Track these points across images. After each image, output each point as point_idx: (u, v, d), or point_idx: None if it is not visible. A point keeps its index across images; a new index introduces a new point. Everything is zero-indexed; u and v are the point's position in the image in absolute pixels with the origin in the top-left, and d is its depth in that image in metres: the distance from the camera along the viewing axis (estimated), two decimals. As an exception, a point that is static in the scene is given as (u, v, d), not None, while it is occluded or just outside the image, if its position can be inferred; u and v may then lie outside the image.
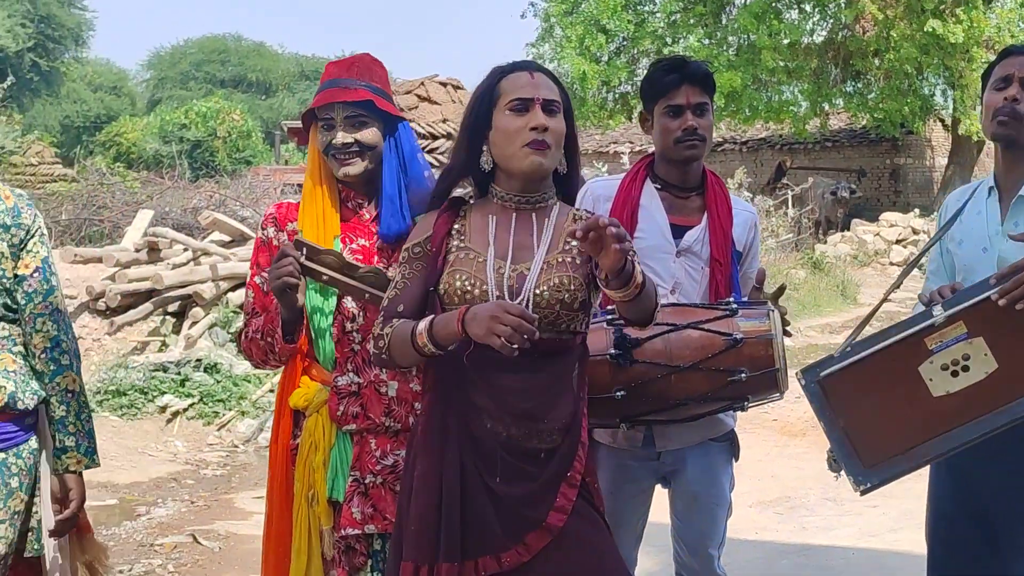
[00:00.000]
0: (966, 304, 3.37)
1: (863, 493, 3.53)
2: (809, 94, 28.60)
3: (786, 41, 27.78)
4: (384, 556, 3.51)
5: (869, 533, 7.12)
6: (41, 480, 3.47)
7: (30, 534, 3.48)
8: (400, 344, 3.15)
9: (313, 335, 3.63)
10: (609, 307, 3.91)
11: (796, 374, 3.58)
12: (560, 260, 3.20)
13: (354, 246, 3.63)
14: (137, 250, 12.89)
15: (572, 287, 3.16)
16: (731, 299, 3.89)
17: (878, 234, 25.04)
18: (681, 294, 4.03)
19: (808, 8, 28.92)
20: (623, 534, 4.14)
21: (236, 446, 9.53)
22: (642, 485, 4.13)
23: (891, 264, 23.74)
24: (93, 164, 24.76)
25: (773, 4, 27.68)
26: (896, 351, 3.42)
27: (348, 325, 3.58)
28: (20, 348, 3.41)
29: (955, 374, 3.35)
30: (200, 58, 58.32)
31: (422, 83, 26.83)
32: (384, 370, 3.55)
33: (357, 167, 3.62)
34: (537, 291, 3.13)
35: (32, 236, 3.43)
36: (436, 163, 12.84)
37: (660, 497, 4.23)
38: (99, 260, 12.98)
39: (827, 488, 7.72)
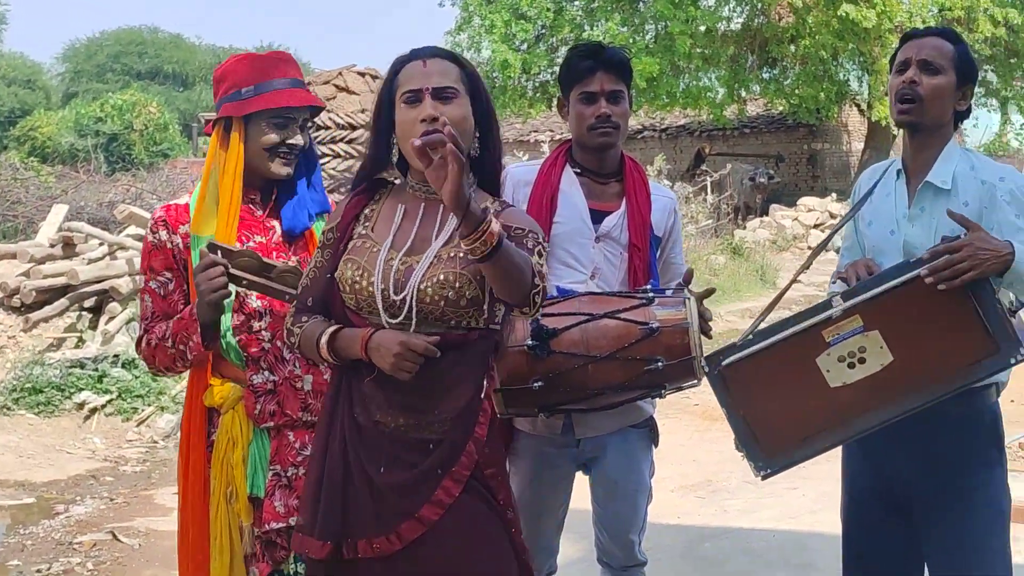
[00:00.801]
0: (863, 298, 3.42)
1: (763, 478, 3.64)
2: (726, 81, 28.78)
3: (703, 28, 27.93)
4: None
5: (789, 515, 7.19)
6: None
7: None
8: (308, 348, 3.17)
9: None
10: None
11: (700, 361, 3.61)
12: (451, 255, 3.07)
13: (251, 244, 3.57)
14: (52, 245, 12.71)
15: (457, 284, 3.03)
16: (648, 287, 3.90)
17: (796, 219, 25.30)
18: (600, 279, 4.04)
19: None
20: (545, 521, 4.16)
21: (156, 442, 9.42)
22: (562, 472, 4.14)
23: (809, 248, 23.94)
24: (7, 159, 24.33)
25: (689, -9, 27.81)
26: (795, 342, 3.48)
27: (255, 324, 3.54)
28: None
29: (852, 366, 3.43)
30: (116, 50, 57.59)
31: (340, 73, 26.70)
32: (298, 365, 3.53)
33: (291, 167, 3.62)
34: (421, 286, 3.04)
35: None
36: (355, 153, 12.80)
37: (581, 484, 4.24)
38: (13, 256, 12.76)
39: (748, 472, 7.73)
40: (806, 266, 3.99)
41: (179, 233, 3.60)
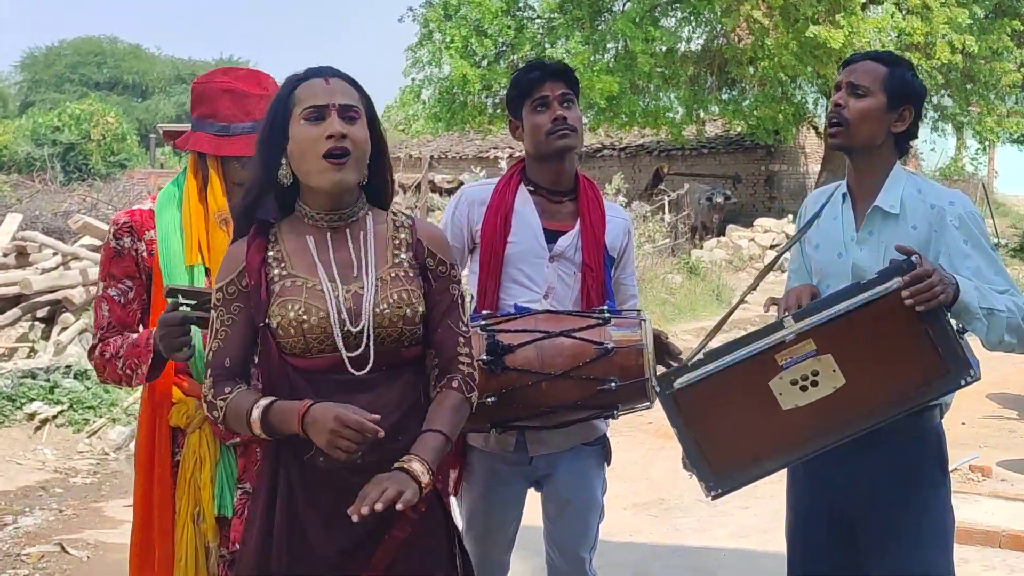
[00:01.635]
0: (816, 322, 3.44)
1: (714, 498, 3.65)
2: (685, 101, 28.88)
3: (663, 48, 28.03)
4: None
5: (741, 534, 7.22)
6: None
7: None
8: (235, 423, 3.00)
9: None
10: (483, 311, 3.93)
11: (653, 383, 3.63)
12: (394, 275, 3.05)
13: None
14: (5, 255, 12.61)
15: (412, 300, 3.03)
16: (604, 308, 3.92)
17: (752, 239, 25.40)
18: (554, 299, 4.05)
19: (685, 15, 29.20)
20: (495, 538, 4.17)
21: (107, 453, 9.35)
22: (514, 489, 4.15)
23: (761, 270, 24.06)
24: (-38, 167, 24.18)
25: (651, 11, 27.91)
26: (747, 366, 3.50)
27: None
28: None
29: (804, 388, 3.44)
30: (75, 60, 57.38)
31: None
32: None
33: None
34: (377, 310, 2.98)
35: None
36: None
37: (532, 500, 4.24)
38: (-34, 264, 12.68)
39: (700, 491, 7.78)
40: (753, 287, 4.03)
41: (143, 239, 3.55)
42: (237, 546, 3.40)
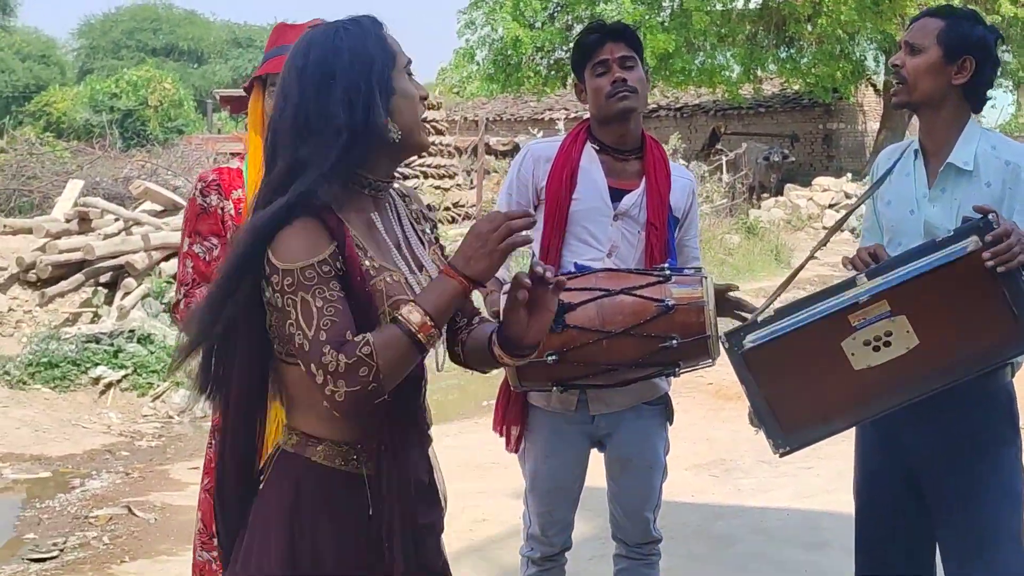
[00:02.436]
0: (890, 283, 3.40)
1: (781, 455, 3.62)
2: (742, 59, 28.66)
3: (719, 6, 27.82)
4: None
5: (803, 494, 7.19)
6: None
7: None
8: (394, 354, 2.47)
9: None
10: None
11: (720, 338, 3.61)
12: (435, 256, 2.85)
13: None
14: (67, 220, 12.75)
15: None
16: (665, 265, 3.91)
17: (811, 199, 25.21)
18: (617, 257, 4.04)
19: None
20: (560, 497, 4.18)
21: (171, 417, 9.46)
22: (577, 448, 4.15)
23: (824, 228, 23.87)
24: (22, 134, 24.35)
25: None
26: (820, 326, 3.46)
27: None
28: None
29: (877, 349, 3.41)
30: (131, 26, 57.68)
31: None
32: None
33: None
34: None
35: None
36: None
37: (596, 461, 4.25)
38: (29, 231, 12.82)
39: (762, 451, 7.73)
40: (822, 243, 3.99)
41: (231, 198, 3.59)
42: None
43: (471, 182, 20.27)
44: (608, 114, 4.08)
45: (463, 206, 18.63)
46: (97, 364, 9.96)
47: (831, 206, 24.79)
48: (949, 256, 3.34)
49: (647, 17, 26.78)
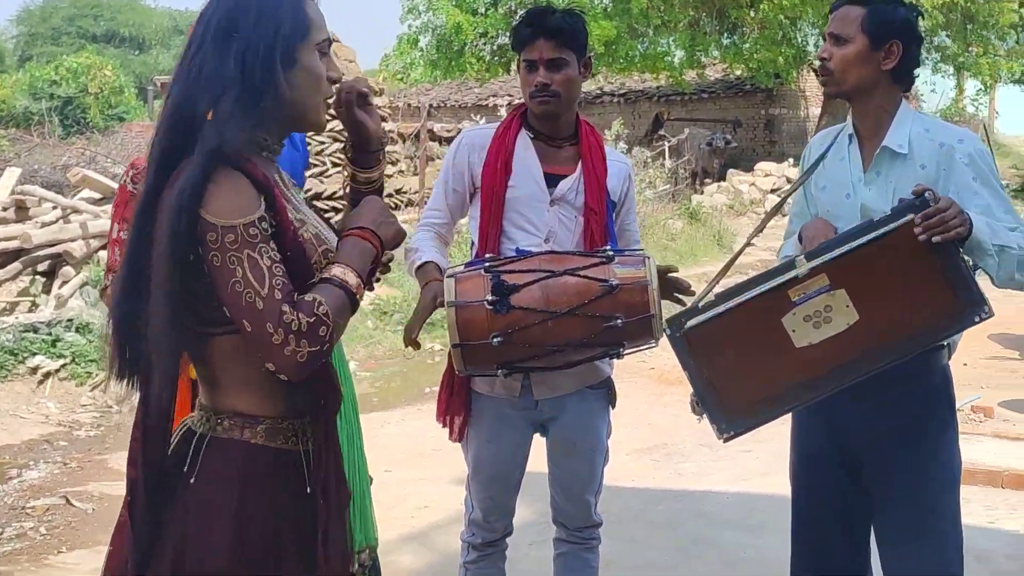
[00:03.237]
0: (829, 257, 3.41)
1: (726, 440, 3.61)
2: (684, 44, 28.75)
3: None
4: None
5: (742, 477, 7.24)
6: None
7: None
8: (343, 315, 2.50)
9: None
10: (487, 255, 3.91)
11: (662, 324, 3.61)
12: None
13: None
14: (4, 209, 12.60)
15: None
16: (608, 247, 3.90)
17: (753, 184, 25.37)
18: (555, 243, 4.03)
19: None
20: (502, 482, 4.18)
21: (110, 406, 9.36)
22: (521, 433, 4.14)
23: (766, 213, 24.07)
24: (-41, 121, 24.12)
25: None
26: (760, 303, 3.47)
27: None
28: None
29: (817, 325, 3.41)
30: (72, 13, 57.12)
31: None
32: None
33: None
34: None
35: None
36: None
37: (537, 446, 4.24)
38: (-35, 219, 12.66)
39: (702, 435, 7.79)
40: (759, 230, 4.00)
41: None
42: None
43: (414, 168, 20.21)
44: (531, 110, 4.09)
45: (406, 192, 18.58)
46: (35, 354, 9.85)
47: (773, 191, 24.96)
48: (886, 230, 3.36)
49: (591, 3, 26.81)
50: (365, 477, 4.46)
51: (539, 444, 4.25)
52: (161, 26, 59.22)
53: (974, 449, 7.25)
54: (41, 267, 11.69)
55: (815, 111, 31.82)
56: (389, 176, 17.97)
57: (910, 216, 3.32)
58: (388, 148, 17.19)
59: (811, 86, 32.44)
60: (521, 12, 28.40)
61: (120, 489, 7.16)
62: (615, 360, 4.04)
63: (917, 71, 3.79)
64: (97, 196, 12.91)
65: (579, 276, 3.74)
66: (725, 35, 30.09)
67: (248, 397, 2.54)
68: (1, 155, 18.85)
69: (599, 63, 27.47)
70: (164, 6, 63.54)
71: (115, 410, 9.26)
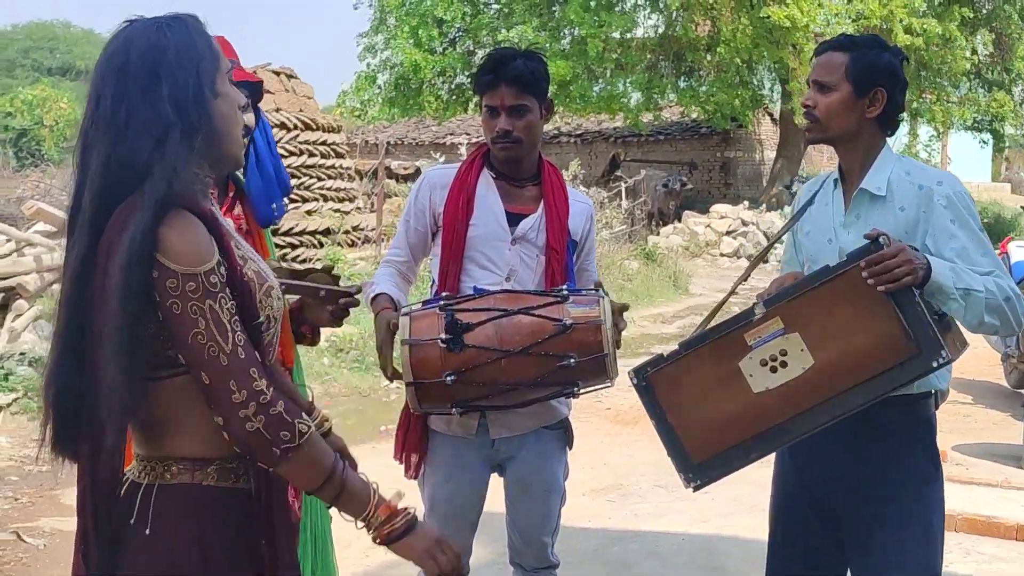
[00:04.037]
0: (782, 299, 3.42)
1: (694, 490, 3.60)
2: (641, 86, 28.93)
3: (615, 34, 28.08)
4: None
5: (700, 519, 7.24)
6: None
7: None
8: (315, 470, 2.48)
9: None
10: (444, 293, 3.93)
11: (628, 373, 3.62)
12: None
13: None
14: (-43, 241, 12.49)
15: None
16: (564, 287, 3.92)
17: (709, 225, 25.50)
18: (516, 281, 4.05)
19: (640, 1, 29.27)
20: (458, 522, 4.16)
21: (63, 441, 9.27)
22: (477, 473, 4.14)
23: (721, 255, 24.21)
24: (-89, 153, 23.95)
25: (603, -4, 27.94)
26: (718, 347, 3.47)
27: None
28: None
29: (774, 370, 3.39)
30: (27, 45, 57.05)
31: (255, 71, 26.66)
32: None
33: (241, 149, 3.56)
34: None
35: None
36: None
37: (495, 488, 4.24)
38: (-83, 251, 12.53)
39: (659, 475, 7.83)
40: (743, 278, 3.97)
41: None
42: None
43: (371, 205, 20.20)
44: (495, 155, 4.12)
45: (363, 229, 18.55)
46: (-14, 387, 9.76)
47: (728, 233, 25.10)
48: (834, 274, 3.36)
49: (548, 45, 26.96)
50: (326, 515, 4.46)
51: (497, 484, 4.25)
52: (118, 60, 59.15)
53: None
54: (-6, 300, 11.58)
55: (770, 154, 32.08)
56: (346, 213, 17.97)
57: (860, 261, 3.31)
58: (345, 185, 17.10)
59: (766, 129, 32.74)
60: (480, 52, 28.66)
61: (72, 524, 7.07)
62: (571, 400, 4.06)
63: (902, 115, 3.79)
64: (52, 229, 12.80)
65: (533, 315, 3.76)
66: (682, 78, 30.31)
67: (198, 440, 2.48)
68: (-45, 187, 18.72)
69: (556, 102, 27.54)
70: (121, 40, 63.08)
71: (67, 445, 9.17)
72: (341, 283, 3.29)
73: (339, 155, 18.86)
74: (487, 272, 4.06)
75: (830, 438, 3.48)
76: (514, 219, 4.10)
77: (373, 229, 18.29)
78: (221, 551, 2.48)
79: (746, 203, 27.11)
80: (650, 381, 3.54)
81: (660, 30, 29.59)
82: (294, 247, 16.46)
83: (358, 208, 19.41)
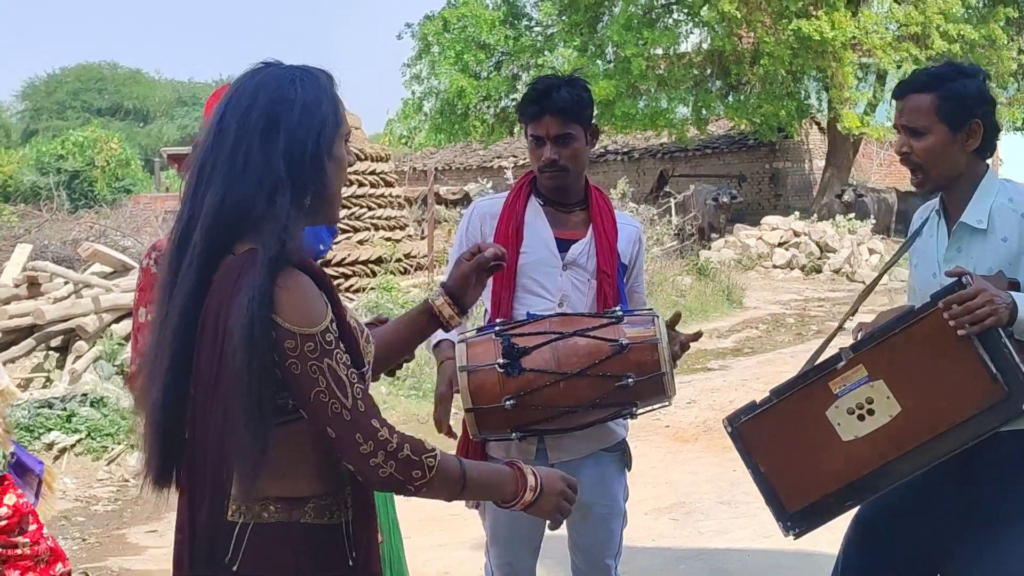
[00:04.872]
0: (866, 346, 3.36)
1: (795, 538, 3.57)
2: (690, 102, 28.89)
3: (658, 51, 28.07)
4: None
5: (763, 534, 7.18)
6: None
7: None
8: (445, 483, 2.59)
9: None
10: (498, 320, 3.94)
11: (723, 421, 3.61)
12: None
13: None
14: (16, 285, 12.63)
15: None
16: (617, 308, 3.93)
17: (760, 238, 25.37)
18: (568, 306, 4.07)
19: (679, 16, 29.26)
20: (520, 547, 4.17)
21: (127, 480, 9.35)
22: (537, 498, 4.13)
23: (774, 267, 24.07)
24: (-33, 199, 24.30)
25: (646, 15, 27.94)
26: (805, 395, 3.44)
27: None
28: None
29: (861, 418, 3.35)
30: (76, 87, 57.69)
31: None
32: None
33: None
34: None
35: None
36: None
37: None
38: (-23, 298, 12.69)
39: (721, 492, 7.80)
40: (852, 311, 3.91)
41: None
42: None
43: (422, 232, 20.27)
44: (542, 183, 4.14)
45: (415, 256, 18.60)
46: (51, 429, 9.83)
47: (780, 244, 24.95)
48: (915, 320, 3.29)
49: (592, 65, 27.00)
50: (399, 539, 4.49)
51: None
52: (165, 98, 59.76)
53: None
54: (54, 342, 11.70)
55: (819, 163, 31.91)
56: (398, 241, 18.03)
57: (967, 304, 3.20)
58: (396, 213, 17.14)
59: (814, 139, 32.56)
60: (524, 75, 28.73)
61: (139, 564, 7.16)
62: (629, 420, 4.05)
63: (999, 134, 3.65)
64: (108, 270, 12.95)
65: (589, 337, 3.76)
66: (728, 91, 30.23)
67: (299, 482, 2.52)
68: (11, 231, 18.93)
69: (600, 122, 27.56)
70: (168, 78, 63.88)
71: (132, 484, 9.25)
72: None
73: (388, 183, 18.93)
74: (539, 298, 4.07)
75: (924, 476, 3.40)
76: (564, 245, 4.12)
77: (425, 256, 18.33)
78: None
79: (797, 214, 26.95)
80: (738, 428, 3.52)
81: (705, 45, 29.55)
82: (347, 276, 16.51)
83: (409, 236, 19.47)
